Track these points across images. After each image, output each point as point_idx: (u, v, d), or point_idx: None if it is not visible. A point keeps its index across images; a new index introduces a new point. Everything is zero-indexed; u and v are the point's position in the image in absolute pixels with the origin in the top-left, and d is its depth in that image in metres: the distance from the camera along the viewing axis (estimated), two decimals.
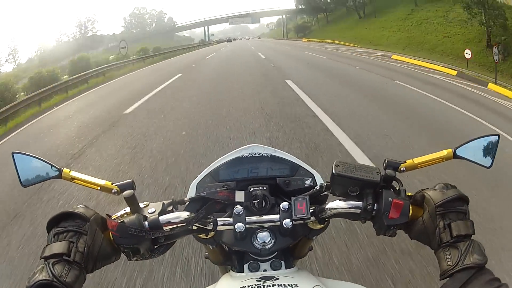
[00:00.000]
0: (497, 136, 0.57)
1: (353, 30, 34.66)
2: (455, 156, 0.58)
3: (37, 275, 0.44)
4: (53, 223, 0.51)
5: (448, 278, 0.46)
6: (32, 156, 0.58)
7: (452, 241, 0.48)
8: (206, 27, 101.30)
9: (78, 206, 0.53)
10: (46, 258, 0.47)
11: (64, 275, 0.45)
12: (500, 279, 0.44)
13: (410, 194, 0.57)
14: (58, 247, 0.47)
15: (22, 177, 0.58)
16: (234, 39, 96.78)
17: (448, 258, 0.47)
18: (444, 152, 0.59)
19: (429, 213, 0.52)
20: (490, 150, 0.57)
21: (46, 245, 0.48)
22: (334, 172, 0.56)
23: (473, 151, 0.57)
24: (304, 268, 0.66)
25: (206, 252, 0.77)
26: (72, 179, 0.59)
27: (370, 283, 1.85)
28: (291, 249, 0.69)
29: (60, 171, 0.59)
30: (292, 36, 59.73)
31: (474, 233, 0.49)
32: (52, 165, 0.58)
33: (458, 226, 0.49)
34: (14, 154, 0.58)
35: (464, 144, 0.58)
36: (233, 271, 0.65)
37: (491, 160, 0.57)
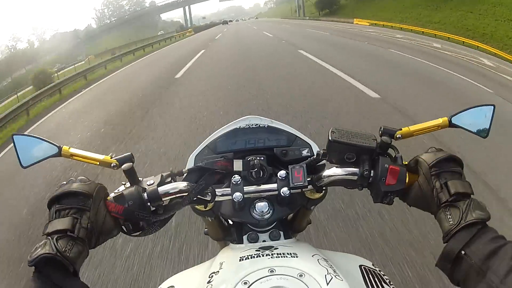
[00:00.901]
0: (493, 106, 0.55)
1: (438, 12, 21.08)
2: (450, 124, 0.57)
3: (39, 249, 0.43)
4: (54, 201, 0.49)
5: (451, 239, 0.45)
6: (31, 136, 0.57)
7: (451, 200, 0.47)
8: (187, 8, 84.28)
9: (80, 180, 0.52)
10: (49, 234, 0.45)
11: (67, 250, 0.44)
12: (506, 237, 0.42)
13: (406, 162, 0.56)
14: (62, 223, 0.46)
15: (22, 158, 0.57)
16: (231, 21, 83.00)
17: (449, 218, 0.46)
18: (439, 120, 0.57)
19: (424, 175, 0.51)
20: (485, 120, 0.55)
21: (48, 222, 0.47)
22: (330, 138, 0.55)
23: (468, 120, 0.56)
24: (303, 240, 0.66)
25: (205, 228, 0.78)
26: (72, 155, 0.58)
27: None
28: (290, 222, 0.71)
29: (59, 148, 0.58)
30: (313, 14, 42.79)
31: (473, 193, 0.48)
32: (51, 143, 0.57)
33: (455, 184, 0.48)
34: (14, 136, 0.56)
35: (459, 112, 0.56)
36: (232, 243, 0.66)
37: (487, 130, 0.56)
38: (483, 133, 0.56)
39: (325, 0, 38.27)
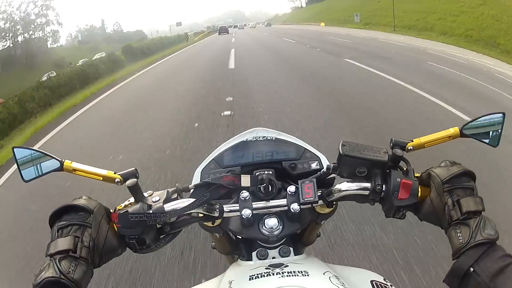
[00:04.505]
0: (503, 114, 0.55)
1: None
2: (461, 134, 0.56)
3: (43, 272, 0.43)
4: (55, 217, 0.49)
5: (461, 256, 0.46)
6: (32, 149, 0.55)
7: (462, 218, 0.47)
8: None
9: (81, 197, 0.52)
10: (52, 255, 0.45)
11: (71, 271, 0.44)
12: None
13: (417, 174, 0.56)
14: (63, 243, 0.46)
15: (24, 172, 0.55)
16: (235, 26, 66.64)
17: (459, 236, 0.47)
18: (450, 131, 0.57)
19: (437, 190, 0.51)
20: (495, 128, 0.55)
21: (51, 241, 0.47)
22: (341, 152, 0.54)
23: (479, 129, 0.56)
24: (312, 255, 0.65)
25: (213, 242, 0.76)
26: (74, 170, 0.57)
27: None
28: (299, 236, 0.69)
29: (61, 163, 0.56)
30: None
31: (484, 210, 0.48)
32: (53, 157, 0.56)
33: (468, 202, 0.48)
34: (15, 149, 0.55)
35: (469, 122, 0.56)
36: (241, 259, 0.64)
37: (498, 139, 0.55)
38: (494, 142, 0.55)
39: None
